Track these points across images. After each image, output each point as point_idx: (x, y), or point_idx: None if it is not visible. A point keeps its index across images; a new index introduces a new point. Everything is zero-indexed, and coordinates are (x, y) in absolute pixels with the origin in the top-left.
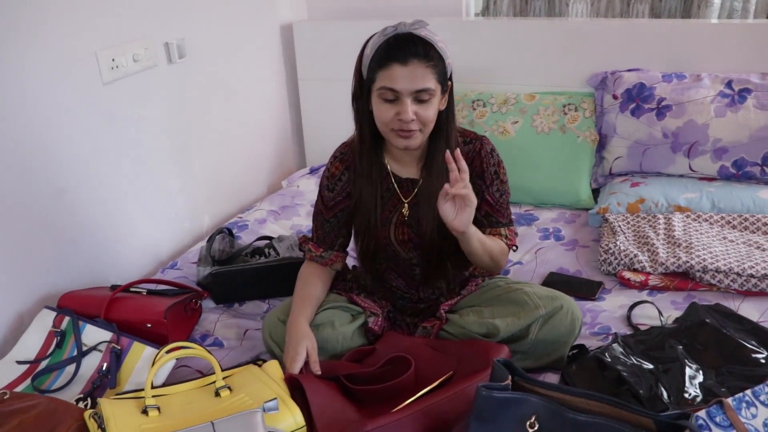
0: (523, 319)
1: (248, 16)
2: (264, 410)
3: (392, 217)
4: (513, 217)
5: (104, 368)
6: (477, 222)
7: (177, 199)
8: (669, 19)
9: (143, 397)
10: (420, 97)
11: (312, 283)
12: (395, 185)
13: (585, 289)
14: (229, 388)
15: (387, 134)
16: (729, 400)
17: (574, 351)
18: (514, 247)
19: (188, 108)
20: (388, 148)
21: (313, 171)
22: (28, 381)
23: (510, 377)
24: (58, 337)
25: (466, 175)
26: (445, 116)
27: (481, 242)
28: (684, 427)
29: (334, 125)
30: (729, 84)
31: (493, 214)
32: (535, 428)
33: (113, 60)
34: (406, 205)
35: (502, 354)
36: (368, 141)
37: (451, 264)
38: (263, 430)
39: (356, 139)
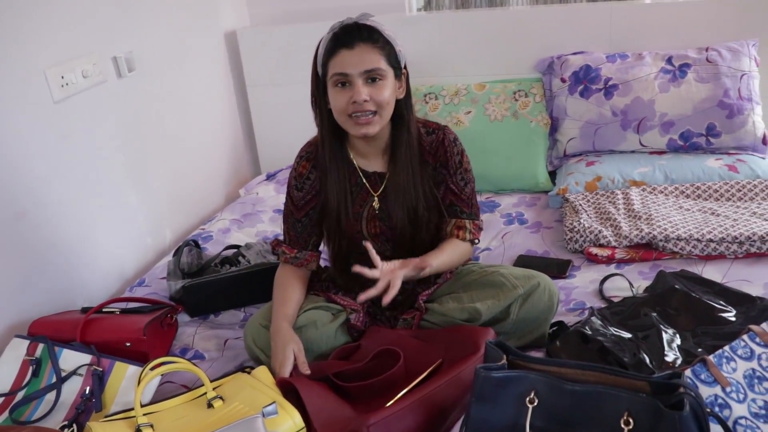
0: (503, 300)
1: (192, 25)
2: (264, 415)
3: (363, 212)
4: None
5: (87, 392)
6: (440, 212)
7: (137, 215)
8: (607, 2)
9: (134, 416)
10: (371, 76)
11: (290, 285)
12: (363, 179)
13: (555, 268)
14: (221, 398)
15: (345, 123)
16: (710, 357)
17: (554, 328)
18: (477, 241)
19: (141, 122)
20: (352, 143)
21: (269, 177)
22: (6, 414)
23: (505, 357)
24: (34, 366)
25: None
26: (404, 104)
27: (444, 264)
28: (677, 385)
29: (286, 129)
30: (669, 60)
31: (457, 204)
32: (535, 403)
33: (62, 77)
34: (375, 198)
35: (489, 336)
36: (330, 139)
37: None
38: None
39: (319, 140)
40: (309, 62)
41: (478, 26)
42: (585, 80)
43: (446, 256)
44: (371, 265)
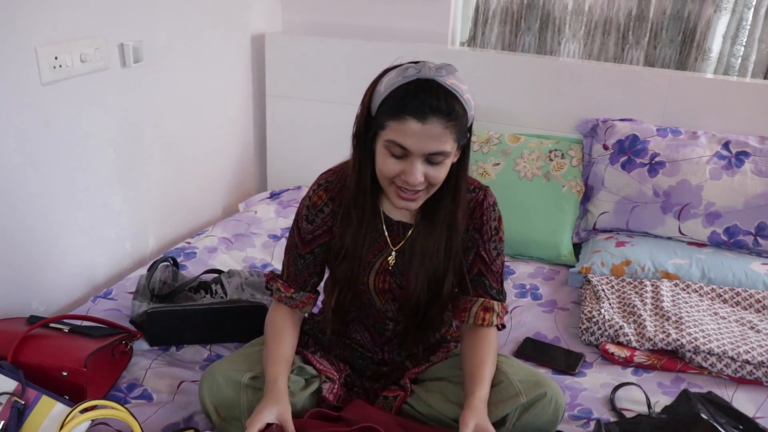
0: (501, 409)
1: (217, 21)
2: None
3: (375, 262)
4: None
5: (0, 426)
6: (465, 286)
7: (119, 217)
8: (665, 69)
9: None
10: (433, 159)
11: (286, 336)
12: (384, 227)
13: (564, 362)
14: None
15: (386, 188)
16: None
17: None
18: (500, 327)
19: (140, 118)
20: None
21: (273, 196)
22: None
23: None
24: None
25: None
26: (456, 170)
27: (491, 382)
28: None
29: (300, 148)
30: (726, 145)
31: (486, 275)
32: None
33: (56, 58)
34: (393, 252)
35: None
36: (367, 185)
37: (433, 328)
38: None
39: (352, 179)
40: (337, 81)
41: (523, 73)
42: (630, 151)
43: (490, 366)
44: (368, 318)
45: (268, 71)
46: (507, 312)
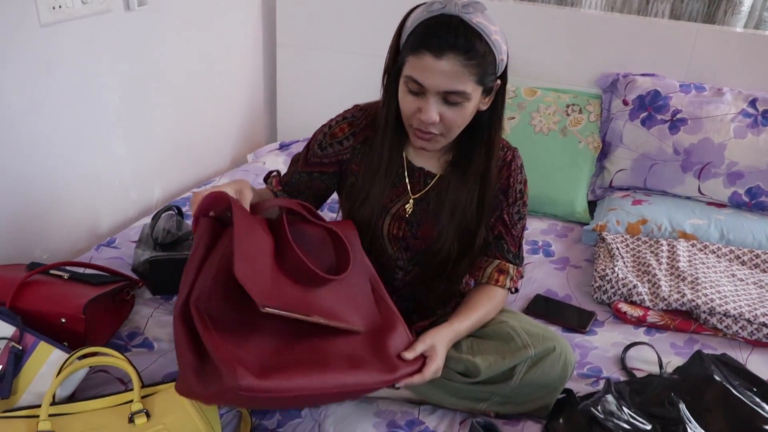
0: (509, 360)
1: None
2: None
3: (391, 208)
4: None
5: None
6: (484, 246)
7: (124, 165)
8: (692, 23)
9: (38, 417)
10: (450, 99)
11: (264, 193)
12: (405, 172)
13: (575, 320)
14: (146, 413)
15: (407, 127)
16: None
17: (561, 396)
18: (514, 290)
19: (145, 63)
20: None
21: (283, 147)
22: None
23: None
24: None
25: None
26: (489, 119)
27: (474, 325)
28: None
29: (311, 99)
30: (753, 103)
31: (505, 239)
32: None
33: None
34: (411, 200)
35: (412, 371)
36: (393, 123)
37: (446, 285)
38: None
39: (381, 116)
40: (351, 29)
41: (541, 24)
42: (650, 107)
43: (480, 313)
44: (377, 265)
45: (279, 19)
46: (522, 277)
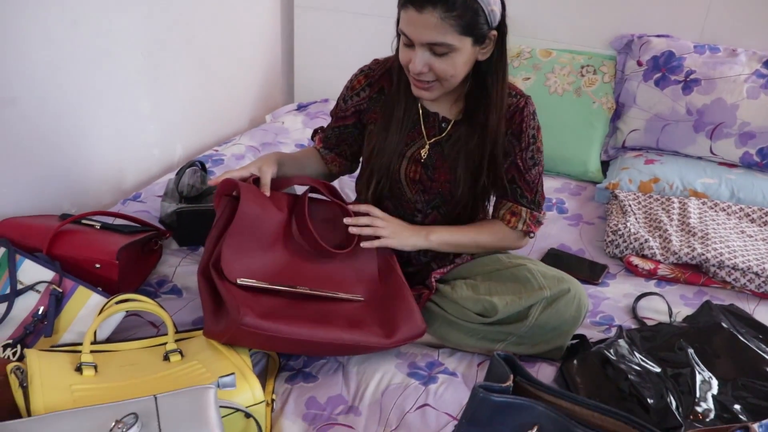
0: (525, 300)
1: None
2: (219, 386)
3: (407, 151)
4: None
5: (40, 312)
6: (499, 189)
7: (147, 123)
8: None
9: (80, 352)
10: (436, 50)
11: (309, 156)
12: (421, 120)
13: (588, 272)
14: (180, 352)
15: (408, 77)
16: (756, 426)
17: (574, 341)
18: (532, 234)
19: (168, 23)
20: None
21: (300, 108)
22: None
23: (512, 377)
24: None
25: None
26: (486, 70)
27: (468, 243)
28: None
29: (329, 61)
30: (767, 63)
31: (518, 183)
32: None
33: None
34: (427, 144)
35: (415, 331)
36: (401, 67)
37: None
38: (215, 410)
39: (395, 67)
40: None
41: None
42: (664, 68)
43: (473, 234)
44: (398, 209)
45: None
46: (539, 222)
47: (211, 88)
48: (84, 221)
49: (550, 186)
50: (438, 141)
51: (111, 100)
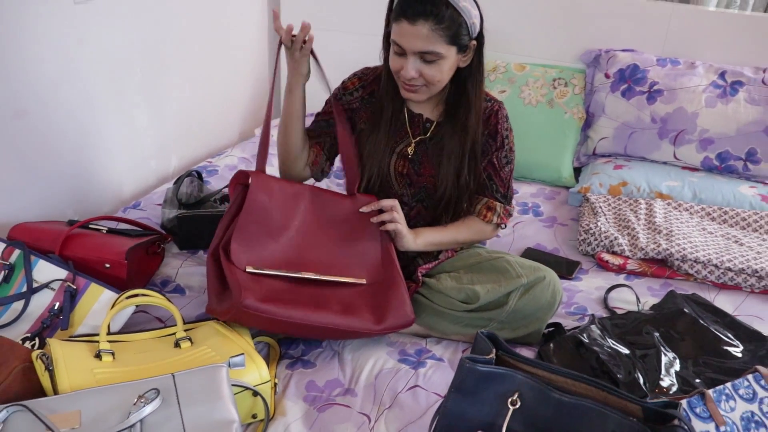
0: (504, 287)
1: None
2: (229, 365)
3: (396, 147)
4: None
5: (56, 307)
6: (477, 184)
7: (145, 135)
8: (668, 2)
9: (97, 342)
10: (426, 57)
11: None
12: (406, 118)
13: (563, 267)
14: (189, 339)
15: (397, 81)
16: (710, 391)
17: (550, 329)
18: (503, 225)
19: (164, 38)
20: None
21: None
22: None
23: (494, 350)
24: (6, 271)
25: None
26: (466, 75)
27: (450, 240)
28: (672, 416)
29: (313, 78)
30: (722, 75)
31: (494, 179)
32: (517, 405)
33: None
34: (413, 143)
35: (403, 320)
36: (388, 73)
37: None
38: (228, 385)
39: (383, 73)
40: (356, 9)
41: (530, 4)
42: (630, 80)
43: (452, 233)
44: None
45: None
46: (510, 215)
47: (203, 102)
48: (91, 226)
49: (526, 191)
50: (423, 140)
51: (111, 114)
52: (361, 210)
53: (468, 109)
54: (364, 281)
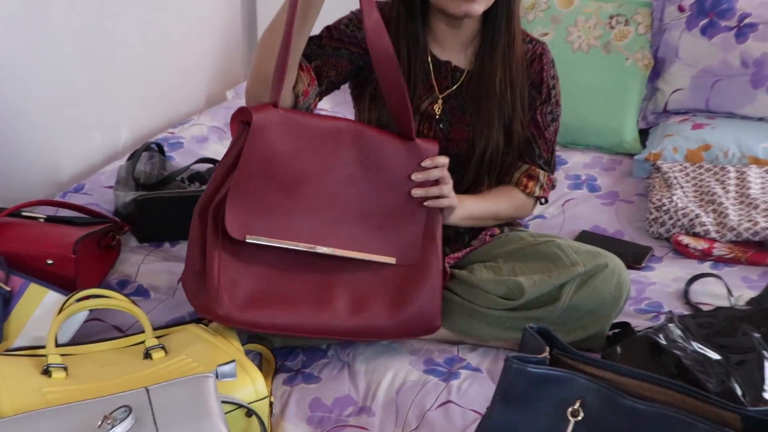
0: (555, 278)
1: None
2: (218, 376)
3: (420, 106)
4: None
5: None
6: (519, 148)
7: (87, 101)
8: None
9: (43, 355)
10: None
11: None
12: (431, 68)
13: (630, 256)
14: (163, 348)
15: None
16: None
17: (616, 330)
18: (545, 200)
19: None
20: (429, 24)
21: None
22: None
23: (548, 349)
24: None
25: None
26: (501, 4)
27: (489, 213)
28: None
29: None
30: None
31: (536, 142)
32: (580, 416)
33: None
34: (439, 99)
35: (415, 324)
36: (417, 9)
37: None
38: (216, 400)
39: (399, 5)
40: None
41: None
42: (712, 13)
43: (494, 204)
44: None
45: None
46: (553, 186)
47: (161, 60)
48: (24, 213)
49: (577, 161)
50: (451, 94)
51: (39, 74)
52: (423, 164)
53: (509, 45)
54: (393, 260)
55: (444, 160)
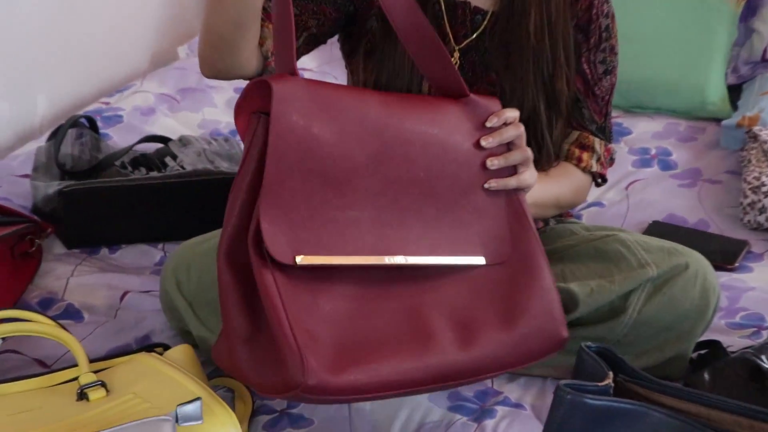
0: (619, 284)
1: None
2: (177, 419)
3: None
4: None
5: None
6: (559, 112)
7: None
8: None
9: None
10: None
11: None
12: (443, 11)
13: (717, 253)
14: (103, 385)
15: None
16: None
17: (703, 351)
18: (602, 179)
19: None
20: None
21: None
22: None
23: (611, 375)
24: None
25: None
26: None
27: (550, 200)
28: None
29: None
30: None
31: (585, 101)
32: None
33: None
34: (456, 51)
35: (536, 340)
36: None
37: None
38: None
39: None
40: None
41: None
42: None
43: (555, 186)
44: None
45: None
46: (612, 159)
47: (87, 8)
48: None
49: (645, 130)
50: (471, 45)
51: None
52: (488, 124)
53: None
54: (482, 260)
55: (514, 113)
